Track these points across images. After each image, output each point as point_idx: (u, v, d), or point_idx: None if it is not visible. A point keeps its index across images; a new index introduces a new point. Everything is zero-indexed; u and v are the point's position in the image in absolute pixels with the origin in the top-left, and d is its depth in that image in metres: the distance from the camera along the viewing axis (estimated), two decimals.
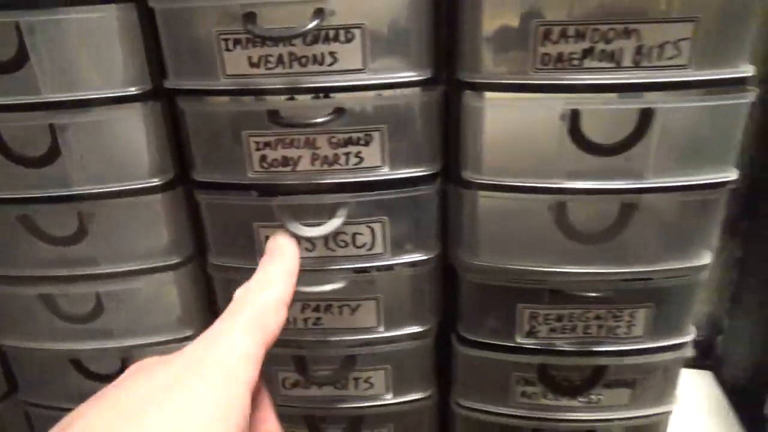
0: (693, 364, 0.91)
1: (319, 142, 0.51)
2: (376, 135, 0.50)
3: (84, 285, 0.59)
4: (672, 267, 0.53)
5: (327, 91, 0.49)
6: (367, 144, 0.51)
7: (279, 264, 0.33)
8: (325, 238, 0.54)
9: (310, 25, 0.45)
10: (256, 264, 0.56)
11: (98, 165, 0.54)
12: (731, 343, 0.89)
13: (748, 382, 0.84)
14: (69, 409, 0.70)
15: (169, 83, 0.50)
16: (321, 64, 0.48)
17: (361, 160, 0.51)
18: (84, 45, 0.50)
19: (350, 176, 0.52)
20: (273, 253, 0.34)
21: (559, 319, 0.56)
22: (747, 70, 0.46)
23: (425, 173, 0.53)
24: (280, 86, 0.48)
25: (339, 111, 0.49)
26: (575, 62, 0.45)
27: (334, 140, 0.50)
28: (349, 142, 0.51)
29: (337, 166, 0.51)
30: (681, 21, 0.43)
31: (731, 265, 0.86)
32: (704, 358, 0.91)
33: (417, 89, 0.50)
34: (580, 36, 0.44)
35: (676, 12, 0.43)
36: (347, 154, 0.51)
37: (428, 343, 0.61)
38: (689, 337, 0.57)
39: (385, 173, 0.52)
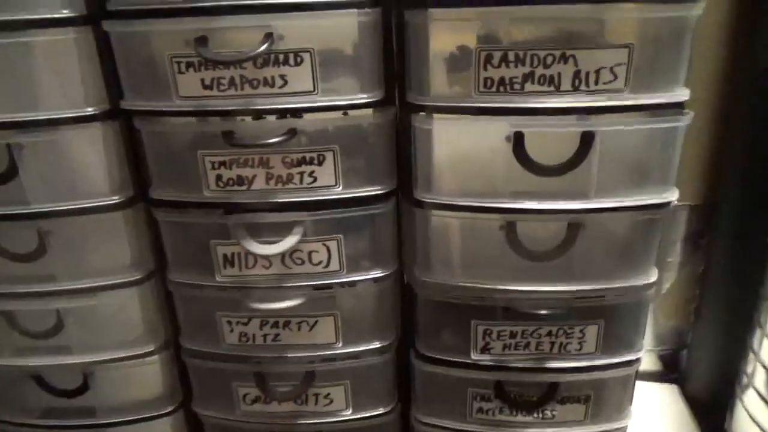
0: (658, 377, 0.92)
1: (273, 161, 0.52)
2: (328, 155, 0.52)
3: (44, 301, 0.59)
4: (620, 285, 0.54)
5: (278, 113, 0.50)
6: (320, 164, 0.52)
7: None
8: (282, 256, 0.55)
9: (260, 49, 0.47)
10: (215, 281, 0.57)
11: (57, 183, 0.54)
12: (696, 357, 0.90)
13: (711, 396, 0.85)
14: (33, 426, 0.68)
15: (125, 104, 0.52)
16: (272, 86, 0.49)
17: (315, 179, 0.52)
18: (42, 66, 0.51)
19: (304, 195, 0.53)
20: None
21: (513, 335, 0.57)
22: (683, 94, 0.47)
23: (379, 192, 0.54)
24: (233, 107, 0.49)
25: (291, 132, 0.50)
26: (517, 86, 0.47)
27: (287, 160, 0.52)
28: (302, 161, 0.52)
29: (291, 185, 0.53)
30: (616, 47, 0.45)
31: (694, 280, 0.87)
32: (669, 371, 0.93)
33: (369, 111, 0.51)
34: (520, 61, 0.46)
35: (610, 39, 0.45)
36: (301, 173, 0.52)
37: (388, 358, 0.62)
38: (640, 353, 0.58)
39: (339, 192, 0.53)
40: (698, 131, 0.76)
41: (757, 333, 0.70)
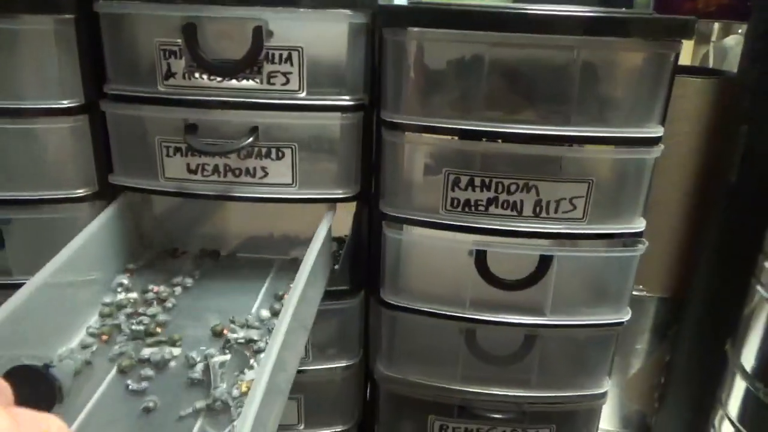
0: None
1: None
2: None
3: None
4: (573, 393, 0.56)
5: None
6: None
7: None
8: None
9: (245, 142, 0.49)
10: None
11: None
12: None
13: None
14: None
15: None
16: (253, 176, 0.51)
17: None
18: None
19: None
20: None
21: None
22: (639, 225, 0.50)
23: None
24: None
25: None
26: (481, 208, 0.49)
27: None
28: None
29: None
30: (575, 181, 0.48)
31: (660, 368, 0.89)
32: None
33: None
34: (485, 186, 0.48)
35: (570, 173, 0.48)
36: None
37: None
38: None
39: None
40: (670, 229, 0.79)
41: None
